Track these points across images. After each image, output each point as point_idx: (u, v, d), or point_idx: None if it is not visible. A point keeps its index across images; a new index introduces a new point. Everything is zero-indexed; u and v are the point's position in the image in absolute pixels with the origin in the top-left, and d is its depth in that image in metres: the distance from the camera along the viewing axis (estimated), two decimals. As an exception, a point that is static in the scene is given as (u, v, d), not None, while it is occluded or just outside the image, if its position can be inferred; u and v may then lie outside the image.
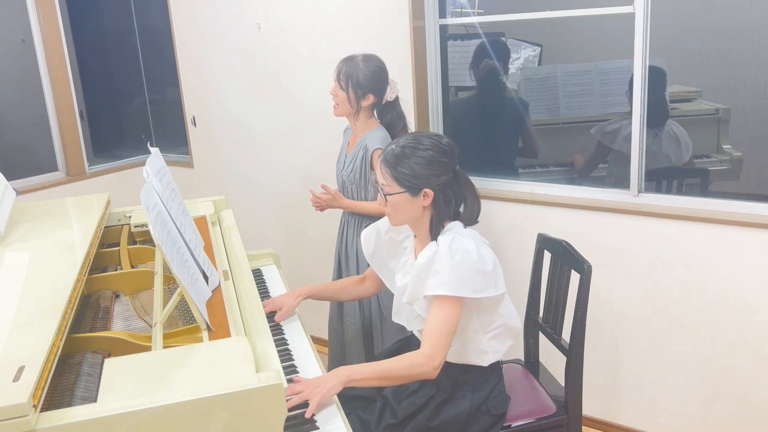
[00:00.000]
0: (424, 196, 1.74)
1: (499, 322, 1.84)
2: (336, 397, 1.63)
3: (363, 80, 2.40)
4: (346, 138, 2.64)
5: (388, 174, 1.75)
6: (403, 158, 1.73)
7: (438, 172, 1.74)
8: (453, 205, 1.80)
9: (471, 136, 3.20)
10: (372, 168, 2.45)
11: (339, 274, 2.70)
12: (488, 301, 1.79)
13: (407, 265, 1.88)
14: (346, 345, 2.67)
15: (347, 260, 2.63)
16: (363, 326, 2.60)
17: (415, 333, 1.96)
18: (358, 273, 2.58)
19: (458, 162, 1.80)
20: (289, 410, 1.49)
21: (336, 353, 2.71)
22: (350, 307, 2.61)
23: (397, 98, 2.51)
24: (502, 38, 3.06)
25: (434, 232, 1.79)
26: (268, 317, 1.83)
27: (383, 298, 2.52)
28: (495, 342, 1.85)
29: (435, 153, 1.74)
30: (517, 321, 1.90)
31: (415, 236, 1.90)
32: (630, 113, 2.65)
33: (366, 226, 2.53)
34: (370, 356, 2.61)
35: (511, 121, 3.14)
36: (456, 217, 1.82)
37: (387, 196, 1.77)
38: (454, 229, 1.78)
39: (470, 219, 1.83)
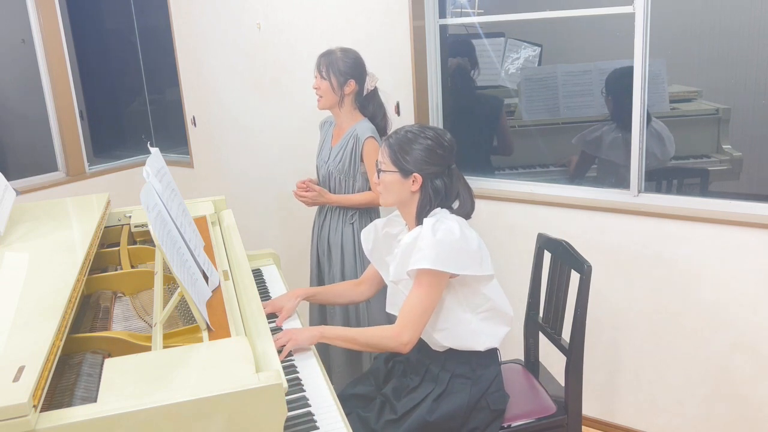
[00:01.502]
0: (413, 180, 1.82)
1: (487, 304, 1.86)
2: (335, 397, 1.64)
3: (343, 67, 2.49)
4: (326, 131, 2.69)
5: (386, 152, 1.85)
6: (404, 142, 1.83)
7: (431, 162, 1.82)
8: (442, 197, 1.85)
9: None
10: (362, 158, 2.50)
11: (319, 269, 2.71)
12: (473, 280, 1.82)
13: (396, 249, 1.91)
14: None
15: (329, 251, 2.64)
16: (347, 320, 2.61)
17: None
18: (342, 265, 2.59)
19: (454, 160, 1.87)
20: (289, 410, 1.50)
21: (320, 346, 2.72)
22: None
23: (376, 89, 2.58)
24: (472, 39, 3.07)
25: (419, 217, 1.85)
26: (267, 318, 1.83)
27: None
28: (487, 325, 1.87)
29: (433, 143, 1.82)
30: (509, 308, 1.92)
31: (408, 228, 1.92)
32: (609, 117, 2.65)
33: (351, 216, 2.56)
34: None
35: (484, 118, 3.15)
36: (444, 207, 1.86)
37: (380, 173, 1.86)
38: (439, 213, 1.83)
39: (463, 215, 1.87)
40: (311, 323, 2.77)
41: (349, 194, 2.58)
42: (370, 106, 2.58)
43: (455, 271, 1.75)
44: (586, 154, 2.88)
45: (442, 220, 1.79)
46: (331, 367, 2.65)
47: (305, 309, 2.87)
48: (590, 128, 2.84)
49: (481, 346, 1.86)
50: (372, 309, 2.60)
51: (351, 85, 2.50)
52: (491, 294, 1.86)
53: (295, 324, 2.02)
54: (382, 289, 2.14)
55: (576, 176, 2.94)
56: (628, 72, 2.48)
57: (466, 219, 1.87)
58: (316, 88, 2.53)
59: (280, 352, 1.77)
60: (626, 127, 2.54)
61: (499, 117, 3.12)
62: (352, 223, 2.59)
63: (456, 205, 1.88)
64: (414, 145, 1.81)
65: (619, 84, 2.60)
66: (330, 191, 2.60)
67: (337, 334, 1.85)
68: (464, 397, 1.84)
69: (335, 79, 2.48)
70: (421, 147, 1.81)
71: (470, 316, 1.85)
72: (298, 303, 2.08)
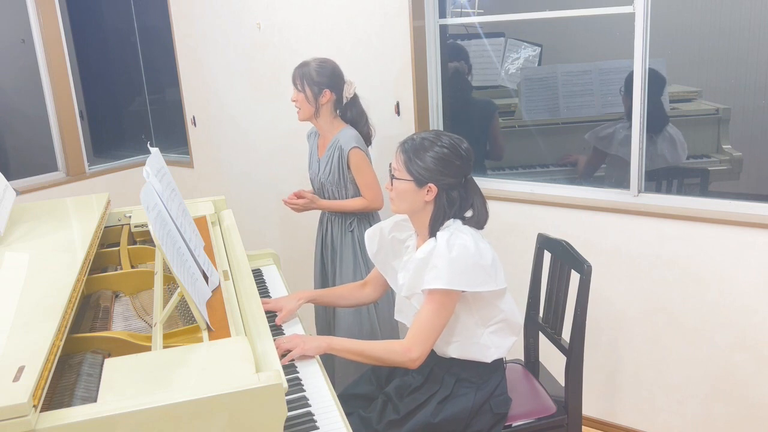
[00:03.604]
0: (428, 190, 1.77)
1: (500, 317, 1.85)
2: (336, 397, 1.64)
3: (317, 77, 2.49)
4: (313, 142, 2.70)
5: (401, 160, 1.79)
6: (420, 149, 1.77)
7: (448, 172, 1.77)
8: (456, 208, 1.81)
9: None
10: (349, 167, 2.51)
11: (323, 274, 2.71)
12: (488, 295, 1.80)
13: (409, 263, 1.89)
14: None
15: (332, 257, 2.65)
16: (354, 321, 2.61)
17: None
18: (341, 271, 2.59)
19: (471, 170, 1.82)
20: (289, 410, 1.50)
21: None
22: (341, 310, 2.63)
23: (356, 96, 2.58)
24: (459, 41, 3.06)
25: (432, 228, 1.81)
26: (267, 318, 1.83)
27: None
28: (496, 337, 1.86)
29: (450, 153, 1.77)
30: (519, 317, 1.91)
31: (418, 235, 1.90)
32: (624, 115, 2.65)
33: (350, 223, 2.57)
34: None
35: (478, 121, 3.15)
36: (458, 218, 1.83)
37: (394, 180, 1.81)
38: (452, 225, 1.79)
39: (477, 226, 1.84)
40: (317, 324, 2.77)
41: (341, 200, 2.58)
42: (349, 113, 2.58)
43: (470, 289, 1.73)
44: (598, 151, 2.86)
45: (456, 234, 1.75)
46: (335, 365, 2.65)
47: (310, 311, 2.87)
48: (603, 125, 2.82)
49: (489, 359, 1.86)
50: (381, 311, 2.60)
51: (326, 95, 2.50)
52: (504, 306, 1.85)
53: (296, 328, 2.01)
54: (388, 291, 2.13)
55: (586, 175, 2.93)
56: (651, 73, 2.48)
57: (479, 229, 1.83)
58: (293, 101, 2.54)
59: (283, 355, 1.76)
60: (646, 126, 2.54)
61: (492, 121, 3.12)
62: (351, 231, 2.60)
63: (469, 214, 1.84)
64: (430, 154, 1.75)
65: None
66: None
67: (345, 346, 1.81)
68: (468, 401, 1.83)
69: (309, 89, 2.49)
70: (437, 156, 1.75)
71: (482, 330, 1.84)
72: (300, 305, 2.06)
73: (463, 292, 1.75)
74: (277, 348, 1.72)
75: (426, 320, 1.74)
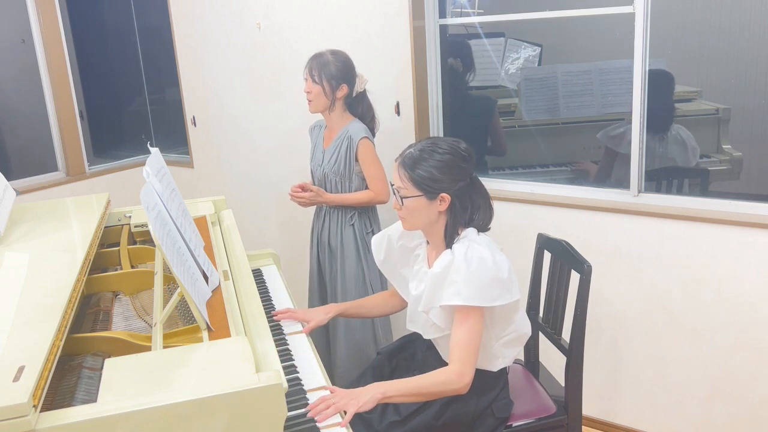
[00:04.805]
0: (440, 200, 1.74)
1: (512, 328, 1.84)
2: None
3: (335, 71, 2.47)
4: (317, 135, 2.69)
5: (405, 177, 1.74)
6: (421, 161, 1.73)
7: (456, 177, 1.74)
8: (469, 211, 1.78)
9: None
10: (357, 158, 2.51)
11: (319, 272, 2.71)
12: (502, 308, 1.78)
13: (421, 272, 1.87)
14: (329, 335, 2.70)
15: (330, 254, 2.65)
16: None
17: (433, 341, 1.95)
18: (343, 267, 2.59)
19: (474, 169, 1.80)
20: (289, 410, 1.50)
21: (322, 341, 2.72)
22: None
23: (365, 90, 2.57)
24: (470, 40, 3.05)
25: (449, 239, 1.77)
26: (267, 318, 1.83)
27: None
28: (506, 348, 1.86)
29: (453, 157, 1.74)
30: (528, 328, 1.90)
31: (428, 243, 1.89)
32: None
33: (350, 216, 2.56)
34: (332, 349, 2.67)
35: (478, 118, 3.14)
36: (470, 224, 1.81)
37: (403, 199, 1.76)
38: (468, 236, 1.76)
39: (482, 227, 1.82)
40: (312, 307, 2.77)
41: (346, 193, 2.58)
42: (359, 107, 2.57)
43: (489, 305, 1.70)
44: (609, 151, 2.84)
45: (472, 245, 1.72)
46: (335, 363, 2.65)
47: (304, 297, 2.88)
48: (614, 125, 2.81)
49: (495, 368, 1.86)
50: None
51: (343, 89, 2.49)
52: (516, 318, 1.84)
53: (295, 325, 2.02)
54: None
55: (603, 175, 2.90)
56: (660, 73, 2.47)
57: (484, 230, 1.81)
58: (307, 92, 2.52)
59: (302, 405, 1.62)
60: (652, 127, 2.53)
61: (492, 117, 3.12)
62: (352, 225, 2.59)
63: (475, 215, 1.82)
64: (433, 163, 1.71)
65: (651, 85, 2.55)
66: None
67: (399, 390, 1.69)
68: (471, 405, 1.83)
69: (327, 83, 2.47)
70: (441, 163, 1.71)
71: (494, 341, 1.83)
72: (329, 318, 2.05)
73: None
74: (327, 407, 1.58)
75: (467, 341, 1.70)
